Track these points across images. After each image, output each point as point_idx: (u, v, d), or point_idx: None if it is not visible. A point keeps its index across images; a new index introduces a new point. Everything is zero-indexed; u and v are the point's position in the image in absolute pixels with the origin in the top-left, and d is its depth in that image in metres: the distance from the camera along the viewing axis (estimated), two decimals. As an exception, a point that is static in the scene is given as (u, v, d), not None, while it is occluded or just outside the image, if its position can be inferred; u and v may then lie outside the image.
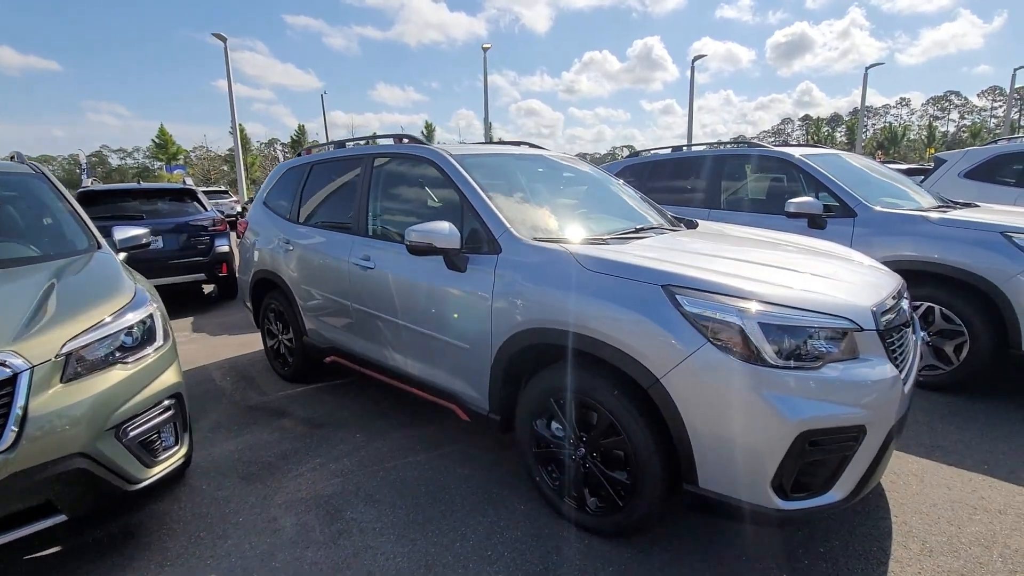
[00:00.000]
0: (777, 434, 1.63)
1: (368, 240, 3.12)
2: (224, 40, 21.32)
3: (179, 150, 52.17)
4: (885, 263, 2.83)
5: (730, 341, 1.69)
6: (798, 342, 1.70)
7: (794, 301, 1.77)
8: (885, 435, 1.76)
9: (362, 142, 3.78)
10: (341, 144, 3.99)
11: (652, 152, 5.76)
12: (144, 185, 7.21)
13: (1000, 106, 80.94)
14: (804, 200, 3.72)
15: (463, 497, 2.47)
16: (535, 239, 2.37)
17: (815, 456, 1.68)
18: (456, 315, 2.55)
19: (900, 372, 1.84)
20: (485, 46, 26.97)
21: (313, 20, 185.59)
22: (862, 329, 1.73)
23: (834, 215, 3.82)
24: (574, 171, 3.54)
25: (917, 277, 3.31)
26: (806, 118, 77.22)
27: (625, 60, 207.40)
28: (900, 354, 1.94)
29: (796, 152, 4.37)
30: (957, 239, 3.22)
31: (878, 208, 3.68)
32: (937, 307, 3.33)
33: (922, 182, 5.87)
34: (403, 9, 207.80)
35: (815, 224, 3.82)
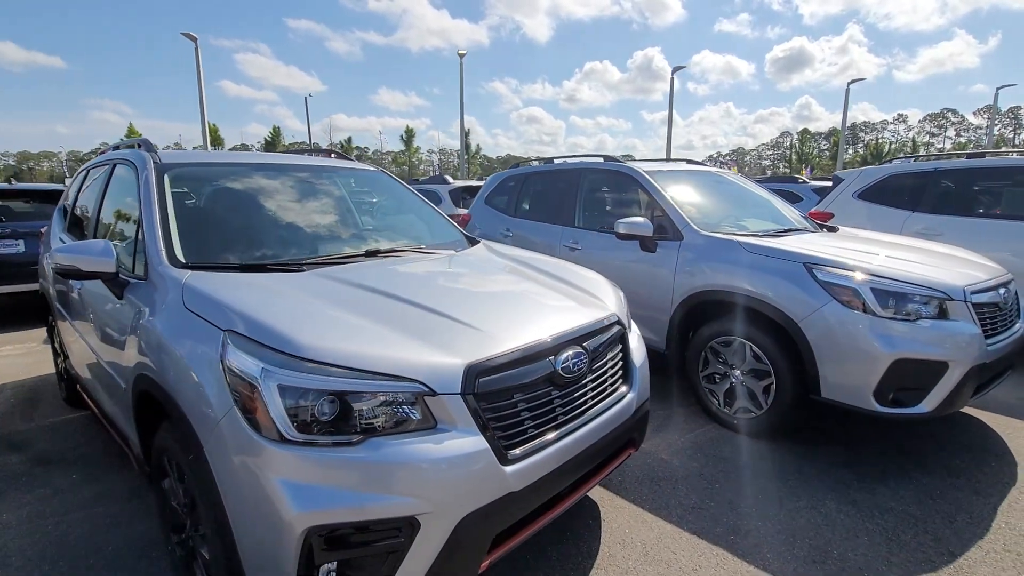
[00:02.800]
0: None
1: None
2: (195, 40, 21.50)
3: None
4: (702, 293, 3.34)
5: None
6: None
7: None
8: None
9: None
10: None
11: (530, 164, 5.76)
12: (10, 185, 7.15)
13: (995, 124, 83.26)
14: (634, 220, 3.62)
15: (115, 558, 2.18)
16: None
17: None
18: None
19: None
20: (460, 52, 26.86)
21: (316, 24, 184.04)
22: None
23: (667, 237, 3.63)
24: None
25: (729, 309, 3.20)
26: (804, 132, 78.67)
27: (626, 71, 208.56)
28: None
29: (642, 167, 4.15)
30: (763, 269, 3.05)
31: (704, 232, 3.48)
32: (748, 343, 3.11)
33: (819, 202, 6.12)
34: (405, 15, 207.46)
35: (645, 247, 3.71)
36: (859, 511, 2.48)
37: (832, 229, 4.16)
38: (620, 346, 2.18)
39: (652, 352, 3.70)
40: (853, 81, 29.54)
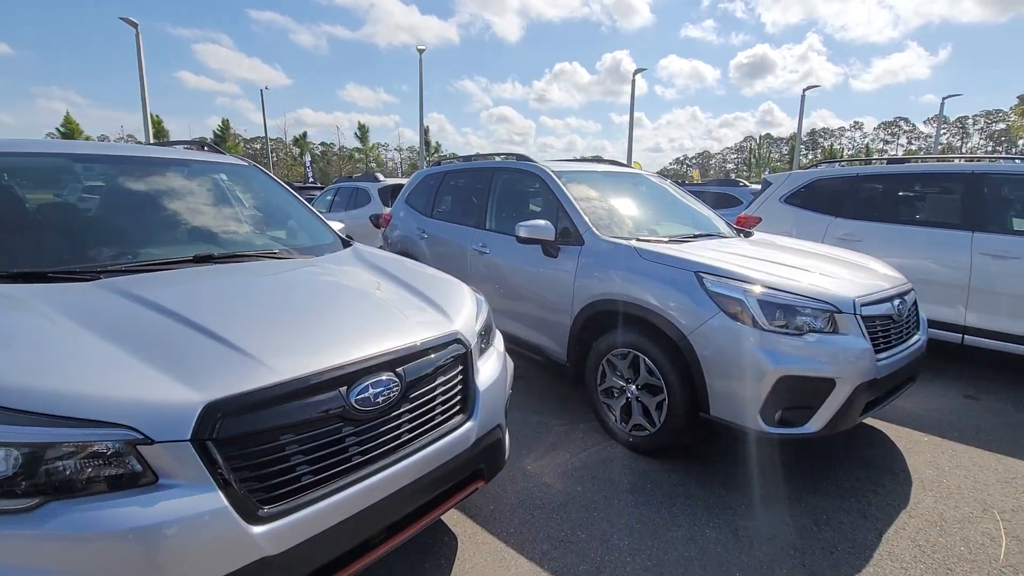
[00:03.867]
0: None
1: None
2: (135, 25, 20.62)
3: (87, 138, 48.89)
4: (599, 301, 3.09)
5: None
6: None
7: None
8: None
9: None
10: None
11: (451, 162, 5.42)
12: None
13: (943, 133, 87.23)
14: (535, 224, 3.36)
15: None
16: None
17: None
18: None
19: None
20: (420, 48, 25.86)
21: (280, 16, 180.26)
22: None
23: (569, 242, 3.38)
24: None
25: (625, 320, 2.97)
26: (767, 136, 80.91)
27: (595, 73, 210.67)
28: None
29: (551, 167, 3.87)
30: (655, 277, 2.83)
31: (604, 237, 3.24)
32: (642, 357, 2.88)
33: (748, 205, 6.04)
34: (373, 9, 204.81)
35: (547, 252, 3.46)
36: (738, 541, 2.29)
37: (748, 234, 4.03)
38: (460, 368, 1.89)
39: (554, 364, 3.52)
40: (808, 88, 30.23)
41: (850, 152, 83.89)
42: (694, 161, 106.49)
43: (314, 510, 1.36)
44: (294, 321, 1.71)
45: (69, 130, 43.37)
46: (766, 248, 3.47)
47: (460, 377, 1.89)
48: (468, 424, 1.84)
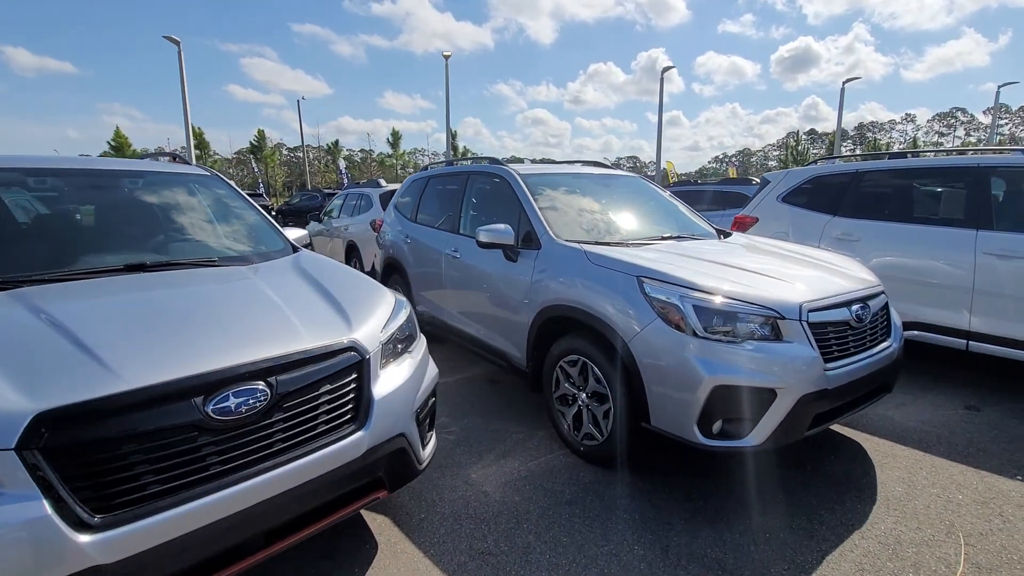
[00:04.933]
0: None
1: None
2: (178, 43, 21.38)
3: (135, 153, 50.54)
4: (551, 307, 3.03)
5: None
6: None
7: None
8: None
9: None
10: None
11: (434, 165, 5.32)
12: None
13: (1005, 122, 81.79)
14: (495, 228, 3.31)
15: None
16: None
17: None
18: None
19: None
20: (446, 54, 25.61)
21: (320, 28, 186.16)
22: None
23: (530, 246, 3.30)
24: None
25: (574, 325, 2.94)
26: (812, 132, 77.75)
27: (630, 72, 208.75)
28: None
29: (518, 169, 3.85)
30: (600, 281, 2.76)
31: (559, 241, 3.16)
32: (590, 363, 2.80)
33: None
34: (409, 18, 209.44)
35: (508, 256, 3.42)
36: (665, 559, 2.19)
37: (727, 235, 3.87)
38: (352, 376, 1.88)
39: (516, 370, 3.47)
40: (848, 80, 28.74)
41: (902, 145, 79.60)
42: (733, 159, 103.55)
43: (160, 519, 1.38)
44: (172, 331, 1.72)
45: (119, 143, 45.76)
46: (734, 250, 3.32)
47: (353, 386, 1.88)
48: (359, 434, 1.82)
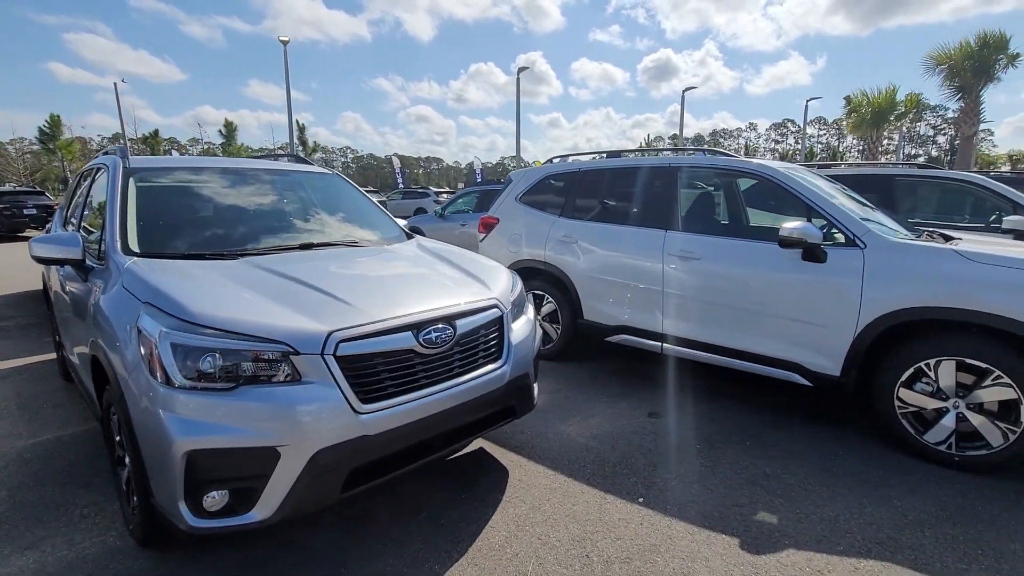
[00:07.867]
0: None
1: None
2: None
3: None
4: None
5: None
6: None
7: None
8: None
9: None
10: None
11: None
12: None
13: (823, 133, 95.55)
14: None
15: None
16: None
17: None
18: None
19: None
20: (283, 39, 22.54)
21: (164, 5, 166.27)
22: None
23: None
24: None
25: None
26: (674, 137, 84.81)
27: (510, 74, 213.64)
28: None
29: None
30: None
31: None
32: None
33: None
34: (273, 1, 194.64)
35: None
36: None
37: (410, 238, 3.39)
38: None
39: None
40: (687, 89, 31.34)
41: (756, 153, 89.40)
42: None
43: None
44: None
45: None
46: (380, 258, 2.84)
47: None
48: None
